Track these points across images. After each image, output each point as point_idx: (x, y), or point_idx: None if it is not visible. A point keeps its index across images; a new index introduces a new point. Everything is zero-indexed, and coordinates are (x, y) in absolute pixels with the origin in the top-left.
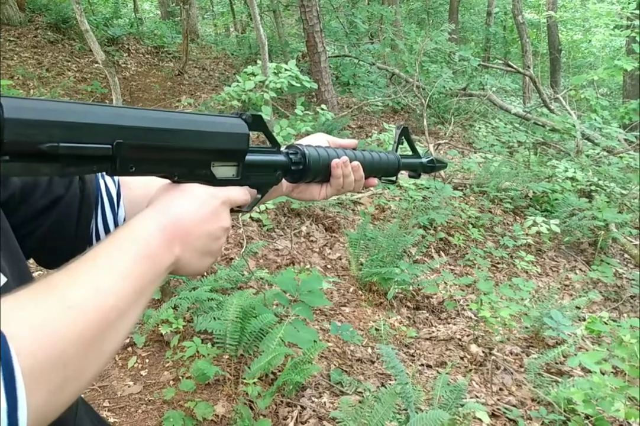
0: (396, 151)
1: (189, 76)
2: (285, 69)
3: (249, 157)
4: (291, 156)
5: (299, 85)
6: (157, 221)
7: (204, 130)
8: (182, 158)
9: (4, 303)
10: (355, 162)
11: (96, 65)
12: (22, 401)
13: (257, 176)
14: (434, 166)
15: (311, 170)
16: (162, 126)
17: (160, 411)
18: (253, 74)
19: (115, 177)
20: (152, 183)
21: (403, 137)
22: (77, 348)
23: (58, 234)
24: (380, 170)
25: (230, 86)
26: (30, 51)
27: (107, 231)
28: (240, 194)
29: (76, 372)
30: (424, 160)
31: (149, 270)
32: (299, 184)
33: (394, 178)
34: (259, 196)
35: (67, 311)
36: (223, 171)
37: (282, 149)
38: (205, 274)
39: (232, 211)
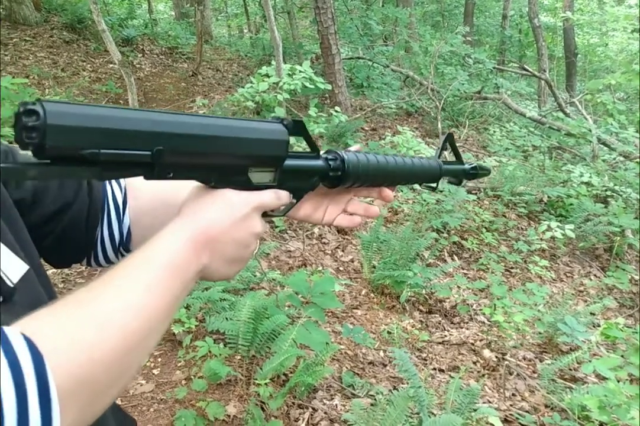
0: (439, 157)
1: (203, 77)
2: (300, 71)
3: (287, 162)
4: (330, 162)
5: (312, 86)
6: (186, 230)
7: (243, 136)
8: (220, 164)
9: (37, 318)
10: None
11: (111, 65)
12: (56, 419)
13: (294, 181)
14: (476, 173)
15: (350, 175)
16: (201, 133)
17: (172, 410)
18: (267, 76)
19: (122, 184)
20: (159, 194)
21: (448, 144)
22: (108, 365)
23: (67, 238)
24: (419, 176)
25: (243, 87)
26: (46, 51)
27: (111, 237)
28: (273, 198)
29: (106, 387)
30: (466, 167)
31: (178, 281)
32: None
33: (434, 184)
34: (294, 201)
35: (98, 328)
36: (260, 176)
37: (322, 154)
38: None
39: (265, 215)
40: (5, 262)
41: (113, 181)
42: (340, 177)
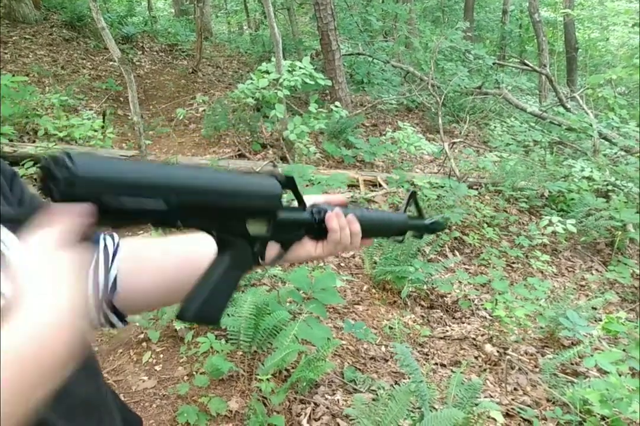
0: (404, 212)
1: (203, 73)
2: (300, 67)
3: (280, 215)
4: (315, 215)
5: (312, 83)
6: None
7: (243, 189)
8: (222, 215)
9: None
10: (350, 216)
11: (111, 63)
12: None
13: (283, 233)
14: (435, 228)
15: None
16: (208, 185)
17: (175, 406)
18: (267, 72)
19: (116, 240)
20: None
21: (412, 201)
22: None
23: None
24: (391, 230)
25: (244, 83)
26: (46, 49)
27: (94, 283)
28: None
29: None
30: (427, 222)
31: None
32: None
33: (401, 238)
34: (282, 251)
35: None
36: (256, 227)
37: (308, 207)
38: None
39: (257, 265)
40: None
41: (107, 235)
42: (325, 232)
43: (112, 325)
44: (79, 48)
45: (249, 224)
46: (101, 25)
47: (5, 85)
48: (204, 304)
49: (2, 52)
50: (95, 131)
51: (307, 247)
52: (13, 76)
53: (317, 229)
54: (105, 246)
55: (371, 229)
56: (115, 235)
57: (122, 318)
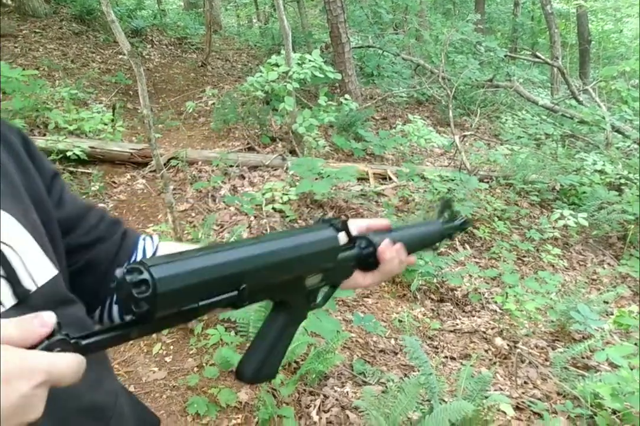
0: (438, 219)
1: (212, 67)
2: (309, 60)
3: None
4: (364, 249)
5: (322, 76)
6: None
7: (304, 253)
8: (285, 281)
9: None
10: (398, 245)
11: (120, 56)
12: None
13: (336, 275)
14: (465, 226)
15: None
16: (274, 261)
17: (185, 396)
18: (276, 65)
19: (155, 243)
20: None
21: (446, 208)
22: None
23: (87, 274)
24: (428, 242)
25: (253, 76)
26: (56, 43)
27: None
28: (68, 364)
29: None
30: (457, 223)
31: None
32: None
33: (437, 245)
34: (332, 290)
35: None
36: (312, 280)
37: (356, 241)
38: None
39: (309, 309)
40: (34, 263)
41: (147, 237)
42: (374, 263)
43: None
44: (88, 42)
45: (307, 279)
46: (111, 18)
47: (15, 79)
48: (262, 364)
49: (12, 46)
50: (105, 124)
51: (357, 279)
52: (23, 69)
53: (367, 261)
54: (144, 248)
55: (413, 247)
56: (155, 237)
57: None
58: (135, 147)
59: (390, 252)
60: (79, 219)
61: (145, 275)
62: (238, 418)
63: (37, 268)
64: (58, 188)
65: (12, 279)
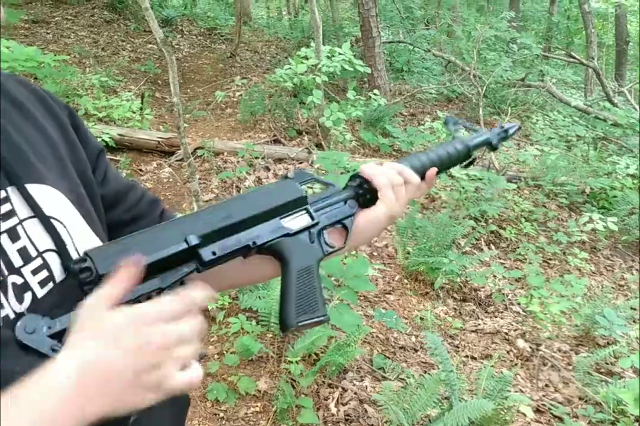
0: (453, 139)
1: (241, 58)
2: (339, 53)
3: (315, 204)
4: (356, 186)
5: (352, 69)
6: (64, 374)
7: (255, 199)
8: (248, 228)
9: None
10: (390, 164)
11: (150, 45)
12: None
13: (330, 214)
14: (507, 135)
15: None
16: (228, 223)
17: (204, 383)
18: (306, 58)
19: None
20: None
21: (455, 126)
22: None
23: None
24: (447, 163)
25: (282, 68)
26: (87, 30)
27: None
28: (175, 303)
29: None
30: (495, 132)
31: None
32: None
33: (469, 161)
34: (345, 229)
35: None
36: (297, 222)
37: (348, 182)
38: None
39: (327, 255)
40: (82, 238)
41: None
42: (371, 193)
43: None
44: (119, 30)
45: (287, 222)
46: (145, 5)
47: (47, 64)
48: (297, 310)
49: (45, 32)
50: (134, 112)
51: (367, 212)
52: (55, 55)
53: (366, 194)
54: None
55: (424, 168)
56: None
57: None
58: (162, 135)
59: (380, 177)
60: (121, 196)
61: (88, 263)
62: (257, 406)
63: (85, 243)
64: (103, 165)
65: (63, 253)
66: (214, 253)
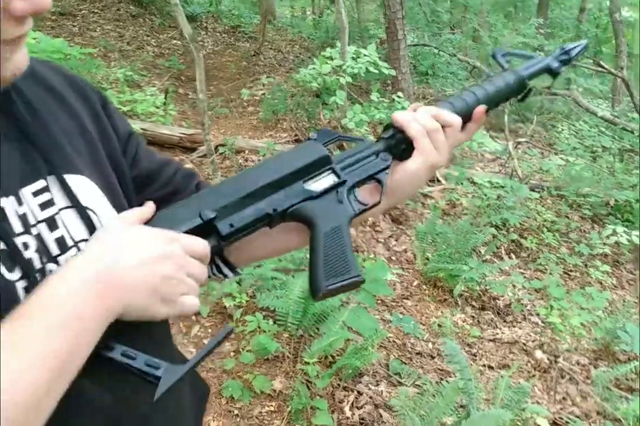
0: (505, 70)
1: (264, 57)
2: (364, 55)
3: (344, 160)
4: (384, 135)
5: (376, 71)
6: (86, 273)
7: (272, 164)
8: (266, 195)
9: None
10: (425, 109)
11: (174, 41)
12: None
13: (360, 170)
14: (573, 53)
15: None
16: (245, 192)
17: (220, 379)
18: (331, 58)
19: None
20: None
21: (504, 57)
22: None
23: None
24: (497, 98)
25: (306, 68)
26: (113, 24)
27: None
28: (196, 243)
29: None
30: (554, 56)
31: (79, 330)
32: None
33: (525, 92)
34: (380, 184)
35: None
36: (321, 183)
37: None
38: None
39: (363, 211)
40: None
41: None
42: (408, 148)
43: (225, 275)
44: (144, 25)
45: (310, 185)
46: (175, 1)
47: (74, 56)
48: (326, 273)
49: (71, 25)
50: (157, 107)
51: (406, 166)
52: (81, 48)
53: (401, 144)
54: None
55: (474, 108)
56: None
57: (232, 268)
58: (185, 131)
59: (413, 124)
60: (155, 175)
61: None
62: (271, 405)
63: None
64: (133, 147)
65: None
66: (231, 226)
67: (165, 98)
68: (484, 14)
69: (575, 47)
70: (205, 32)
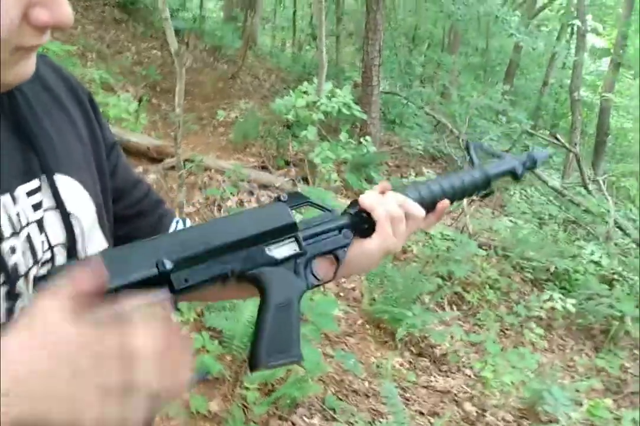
0: (472, 165)
1: (241, 81)
2: (339, 95)
3: (308, 230)
4: (350, 210)
5: (348, 113)
6: None
7: (239, 222)
8: (227, 254)
9: None
10: (392, 194)
11: (155, 51)
12: None
13: (322, 243)
14: (536, 160)
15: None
16: (206, 248)
17: None
18: (306, 93)
19: (187, 224)
20: None
21: (474, 151)
22: None
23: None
24: (461, 192)
25: (281, 99)
26: (95, 25)
27: None
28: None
29: None
30: (518, 161)
31: None
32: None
33: (488, 190)
34: (337, 261)
35: None
36: (282, 250)
37: (348, 208)
38: None
39: (312, 287)
40: (91, 235)
41: (180, 220)
42: (371, 227)
43: None
44: (127, 31)
45: (272, 250)
46: (165, 15)
47: (53, 51)
48: (269, 348)
49: None
50: (129, 114)
51: (361, 244)
52: (61, 44)
53: (364, 223)
54: (176, 229)
55: (441, 198)
56: (187, 221)
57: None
58: (153, 142)
59: (379, 209)
60: (126, 192)
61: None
62: None
63: (92, 241)
64: (115, 157)
65: (72, 250)
66: (186, 281)
67: (139, 106)
68: (455, 72)
69: (540, 156)
70: (186, 48)
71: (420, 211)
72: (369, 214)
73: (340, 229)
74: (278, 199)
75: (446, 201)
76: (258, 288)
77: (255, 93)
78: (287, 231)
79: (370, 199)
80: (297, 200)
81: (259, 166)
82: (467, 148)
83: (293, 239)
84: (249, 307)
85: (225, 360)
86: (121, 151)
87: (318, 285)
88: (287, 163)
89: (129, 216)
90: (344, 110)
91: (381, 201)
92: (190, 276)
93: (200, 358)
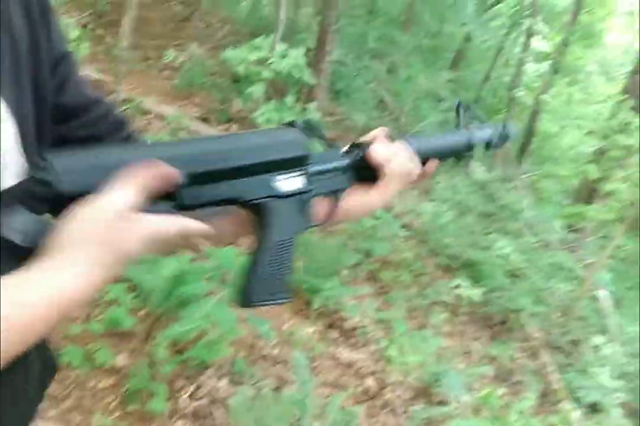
0: (460, 127)
1: (193, 26)
2: (292, 56)
3: (315, 163)
4: (354, 152)
5: (298, 76)
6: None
7: (255, 145)
8: (239, 177)
9: None
10: (398, 142)
11: None
12: None
13: (326, 182)
14: (508, 135)
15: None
16: (222, 166)
17: (61, 344)
18: (258, 48)
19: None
20: None
21: (464, 112)
22: None
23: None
24: (448, 152)
25: (233, 50)
26: None
27: None
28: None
29: None
30: (497, 130)
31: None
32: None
33: (468, 154)
34: (334, 204)
35: None
36: (290, 183)
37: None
38: None
39: (310, 227)
40: (9, 163)
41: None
42: (372, 174)
43: None
44: None
45: (280, 181)
46: None
47: None
48: (262, 287)
49: None
50: (70, 41)
51: (362, 194)
52: None
53: (364, 168)
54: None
55: (427, 154)
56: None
57: None
58: (91, 74)
59: (393, 166)
60: (80, 110)
61: (50, 173)
62: (109, 381)
63: (10, 170)
64: (65, 70)
65: None
66: (195, 198)
67: (82, 33)
68: (405, 52)
69: (513, 129)
70: None
71: (420, 168)
72: (373, 162)
73: (344, 170)
74: (291, 123)
75: (436, 161)
76: (260, 220)
77: (207, 41)
78: (300, 163)
79: (381, 152)
80: (311, 130)
81: (201, 117)
82: (458, 108)
83: (303, 173)
84: (171, 262)
85: (139, 314)
86: (75, 67)
87: (311, 226)
88: (230, 119)
89: (86, 137)
90: (295, 73)
91: (391, 157)
92: (200, 193)
93: (112, 310)
